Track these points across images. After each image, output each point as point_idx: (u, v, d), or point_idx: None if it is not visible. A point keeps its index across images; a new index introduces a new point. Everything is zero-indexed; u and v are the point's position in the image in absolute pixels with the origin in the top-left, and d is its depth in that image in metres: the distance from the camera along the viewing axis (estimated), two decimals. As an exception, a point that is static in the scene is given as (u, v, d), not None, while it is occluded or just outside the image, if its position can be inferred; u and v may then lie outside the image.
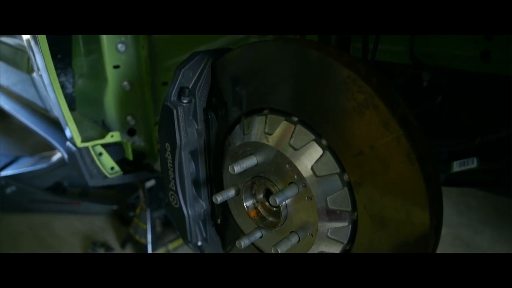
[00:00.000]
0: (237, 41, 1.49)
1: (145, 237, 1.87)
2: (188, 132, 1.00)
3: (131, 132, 1.59)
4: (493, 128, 1.18)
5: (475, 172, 1.26)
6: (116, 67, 1.46)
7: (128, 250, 2.02)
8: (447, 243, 2.06)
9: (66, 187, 2.30)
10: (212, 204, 1.09)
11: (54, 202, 2.22)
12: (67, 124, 1.36)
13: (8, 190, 2.26)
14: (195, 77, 0.97)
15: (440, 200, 0.73)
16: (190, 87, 0.97)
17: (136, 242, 1.95)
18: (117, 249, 2.03)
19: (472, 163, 1.18)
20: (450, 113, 1.31)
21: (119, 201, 2.24)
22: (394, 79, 1.38)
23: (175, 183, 1.05)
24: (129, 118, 1.57)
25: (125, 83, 1.50)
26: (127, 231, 2.03)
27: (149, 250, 1.86)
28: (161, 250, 1.91)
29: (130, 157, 1.49)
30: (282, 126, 0.84)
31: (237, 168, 0.85)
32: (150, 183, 1.83)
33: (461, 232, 2.12)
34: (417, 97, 1.37)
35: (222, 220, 1.14)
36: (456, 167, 1.16)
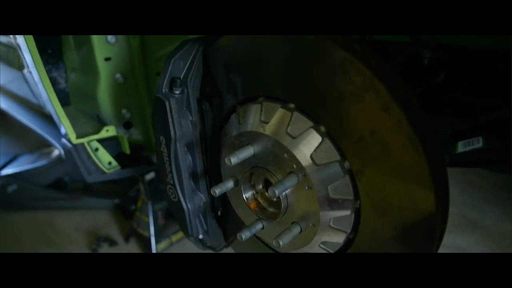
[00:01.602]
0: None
1: (148, 230, 1.86)
2: (183, 124, 0.96)
3: (127, 126, 1.56)
4: (497, 105, 1.14)
5: (479, 152, 1.23)
6: (107, 59, 1.42)
7: (132, 243, 2.01)
8: (453, 223, 2.03)
9: (68, 183, 2.28)
10: (211, 196, 1.07)
11: (56, 199, 2.21)
12: (60, 121, 1.32)
13: (10, 189, 2.24)
14: (186, 67, 0.93)
15: (446, 185, 0.70)
16: (181, 77, 0.93)
17: (139, 236, 1.94)
18: (121, 243, 2.03)
19: (477, 143, 1.14)
20: (453, 91, 1.27)
21: (121, 194, 2.22)
22: (393, 58, 1.34)
23: (172, 177, 1.03)
24: (124, 111, 1.54)
25: (118, 75, 1.47)
26: (130, 225, 2.01)
27: (153, 243, 1.85)
28: (164, 242, 1.90)
29: (127, 151, 1.46)
30: (279, 114, 0.81)
31: (234, 160, 0.82)
32: (150, 175, 1.80)
33: (467, 211, 2.10)
34: (418, 76, 1.32)
35: (223, 212, 1.12)
36: (461, 147, 1.13)
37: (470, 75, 1.21)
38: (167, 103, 0.92)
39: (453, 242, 1.89)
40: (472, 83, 1.20)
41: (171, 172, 1.02)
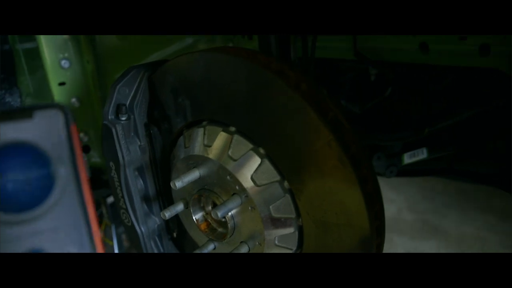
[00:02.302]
0: (185, 48, 1.47)
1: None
2: (131, 149, 0.97)
3: (85, 149, 1.55)
4: (439, 117, 1.20)
5: (427, 161, 1.28)
6: (61, 84, 1.41)
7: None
8: (416, 229, 2.09)
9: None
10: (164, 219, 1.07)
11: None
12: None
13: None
14: (132, 93, 0.94)
15: (379, 200, 0.73)
16: (127, 103, 0.94)
17: (105, 259, 1.92)
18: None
19: (422, 154, 1.19)
20: (399, 105, 1.33)
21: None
22: (343, 75, 1.39)
23: (124, 201, 1.03)
24: (81, 135, 1.53)
25: (74, 99, 1.46)
26: (95, 248, 1.99)
27: (118, 266, 1.83)
28: (131, 265, 1.88)
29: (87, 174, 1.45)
30: (220, 137, 0.83)
31: (179, 184, 0.84)
32: (112, 198, 1.79)
33: (429, 217, 2.16)
34: (367, 92, 1.38)
35: (179, 233, 1.13)
36: (407, 158, 1.18)
37: (413, 90, 1.27)
38: (113, 130, 0.93)
39: (415, 248, 1.95)
40: (415, 98, 1.25)
41: (123, 197, 1.02)
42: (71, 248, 0.37)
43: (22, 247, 0.36)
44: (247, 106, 0.78)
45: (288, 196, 0.79)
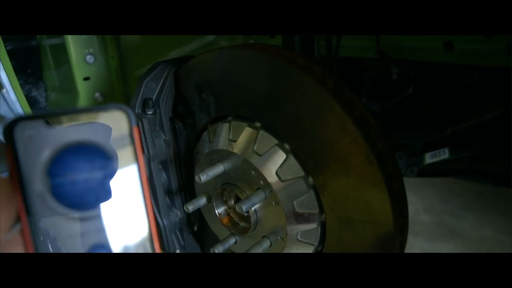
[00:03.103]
0: (206, 45, 1.48)
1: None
2: (156, 143, 0.99)
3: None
4: (463, 117, 1.19)
5: (447, 162, 1.27)
6: (86, 79, 1.45)
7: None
8: (433, 231, 2.08)
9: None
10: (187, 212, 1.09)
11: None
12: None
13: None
14: (158, 88, 0.96)
15: (404, 198, 0.74)
16: (154, 98, 0.96)
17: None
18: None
19: (444, 154, 1.19)
20: (421, 104, 1.32)
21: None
22: (364, 74, 1.39)
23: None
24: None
25: (97, 94, 1.49)
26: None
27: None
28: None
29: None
30: (246, 133, 0.84)
31: (204, 177, 0.85)
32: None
33: (446, 219, 2.14)
34: (388, 91, 1.37)
35: (199, 227, 1.14)
36: (429, 158, 1.18)
37: (436, 89, 1.26)
38: (140, 124, 0.95)
39: (432, 249, 1.93)
40: (438, 97, 1.25)
41: (146, 190, 1.04)
42: (133, 243, 0.39)
43: (88, 241, 0.38)
44: (273, 102, 0.79)
45: (312, 192, 0.79)
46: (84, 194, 0.38)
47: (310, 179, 0.79)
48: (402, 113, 1.35)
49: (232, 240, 0.94)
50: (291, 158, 0.79)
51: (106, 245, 0.39)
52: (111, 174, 0.38)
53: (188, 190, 1.09)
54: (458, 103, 1.23)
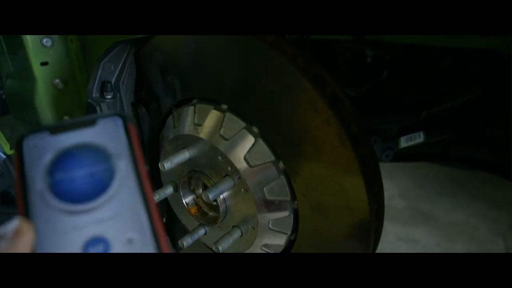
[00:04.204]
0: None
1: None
2: (117, 130, 0.92)
3: (70, 133, 1.49)
4: (438, 101, 1.17)
5: (422, 146, 1.25)
6: (44, 64, 1.35)
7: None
8: (407, 216, 2.08)
9: (14, 197, 2.16)
10: (153, 203, 1.03)
11: (3, 213, 2.08)
12: (-8, 131, 1.24)
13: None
14: (117, 70, 0.89)
15: (379, 182, 0.70)
16: (113, 81, 0.89)
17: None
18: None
19: (419, 138, 1.16)
20: (396, 88, 1.30)
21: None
22: (338, 56, 1.35)
23: (110, 185, 0.98)
24: (66, 118, 1.47)
25: (57, 80, 1.39)
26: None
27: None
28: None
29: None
30: (212, 116, 0.79)
31: (168, 165, 0.79)
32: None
33: (420, 204, 2.15)
34: (363, 74, 1.34)
35: (168, 218, 1.08)
36: (404, 142, 1.15)
37: (411, 72, 1.23)
38: (98, 109, 0.88)
39: (407, 234, 1.94)
40: (413, 80, 1.22)
41: (109, 180, 0.98)
42: (133, 234, 0.40)
43: (85, 234, 0.39)
44: (239, 82, 0.74)
45: (283, 177, 0.75)
46: (81, 189, 0.40)
47: (281, 164, 0.74)
48: (378, 97, 1.32)
49: (201, 231, 0.89)
50: (260, 142, 0.74)
51: (103, 237, 0.40)
52: (108, 170, 0.41)
53: (154, 179, 1.02)
54: (434, 86, 1.20)
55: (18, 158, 0.39)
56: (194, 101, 0.83)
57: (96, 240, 0.39)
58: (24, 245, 0.38)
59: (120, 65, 0.89)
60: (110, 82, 0.88)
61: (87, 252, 0.39)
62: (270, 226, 0.79)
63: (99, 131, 0.42)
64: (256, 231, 0.80)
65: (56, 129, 0.41)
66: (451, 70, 1.19)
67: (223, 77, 0.76)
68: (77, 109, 1.47)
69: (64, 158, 0.40)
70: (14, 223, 0.38)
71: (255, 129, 0.75)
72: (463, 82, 1.16)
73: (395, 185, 2.30)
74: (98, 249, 0.39)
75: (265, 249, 0.84)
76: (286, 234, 0.80)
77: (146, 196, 0.41)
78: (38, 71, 1.34)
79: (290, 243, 0.82)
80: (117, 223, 0.40)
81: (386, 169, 2.41)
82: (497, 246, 1.90)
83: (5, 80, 1.46)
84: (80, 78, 1.43)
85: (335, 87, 0.67)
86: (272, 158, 0.74)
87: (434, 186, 2.27)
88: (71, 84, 1.42)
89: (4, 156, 1.26)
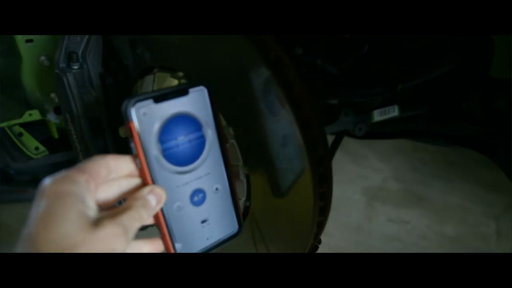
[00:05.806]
0: None
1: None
2: (85, 100, 0.94)
3: (57, 110, 1.52)
4: (414, 74, 1.15)
5: (399, 122, 1.24)
6: (29, 41, 1.37)
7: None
8: (400, 198, 2.08)
9: (13, 175, 2.22)
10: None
11: (1, 192, 2.15)
12: (-21, 107, 1.28)
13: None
14: (84, 41, 0.91)
15: (324, 144, 0.70)
16: (79, 52, 0.91)
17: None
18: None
19: (393, 111, 1.15)
20: (377, 63, 1.28)
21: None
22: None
23: (83, 155, 1.01)
24: (53, 95, 1.49)
25: (43, 58, 1.42)
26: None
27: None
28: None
29: (56, 135, 1.43)
30: (168, 82, 0.80)
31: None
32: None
33: (415, 187, 2.14)
34: (344, 49, 1.33)
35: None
36: (377, 116, 1.14)
37: (390, 47, 1.22)
38: (64, 79, 0.90)
39: (398, 215, 1.93)
40: (394, 55, 1.21)
41: (81, 150, 1.00)
42: (219, 185, 0.54)
43: (190, 188, 0.51)
44: (191, 49, 0.75)
45: (233, 141, 0.76)
46: (184, 153, 0.49)
47: (231, 129, 0.75)
48: (359, 73, 1.31)
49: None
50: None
51: (204, 189, 0.52)
52: (201, 137, 0.51)
53: (125, 152, 1.05)
54: (413, 59, 1.19)
55: (135, 127, 0.45)
56: (155, 70, 0.85)
57: (198, 191, 0.51)
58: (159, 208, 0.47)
59: (87, 36, 0.90)
60: (76, 53, 0.90)
61: (192, 200, 0.51)
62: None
63: (191, 100, 0.49)
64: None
65: (158, 98, 0.47)
66: (429, 44, 1.18)
67: (178, 44, 0.77)
68: (64, 87, 1.50)
69: (168, 125, 0.47)
70: (156, 192, 0.46)
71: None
72: (440, 55, 1.15)
73: (392, 167, 2.29)
74: (199, 197, 0.51)
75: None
76: (240, 199, 0.81)
77: (226, 157, 0.53)
78: (23, 48, 1.37)
79: (245, 209, 0.83)
80: (209, 178, 0.52)
81: (383, 152, 2.40)
82: (488, 229, 1.88)
83: (-7, 58, 1.49)
84: (66, 56, 1.46)
85: (279, 51, 0.67)
86: (224, 122, 0.75)
87: (429, 169, 2.25)
88: (57, 62, 1.45)
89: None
